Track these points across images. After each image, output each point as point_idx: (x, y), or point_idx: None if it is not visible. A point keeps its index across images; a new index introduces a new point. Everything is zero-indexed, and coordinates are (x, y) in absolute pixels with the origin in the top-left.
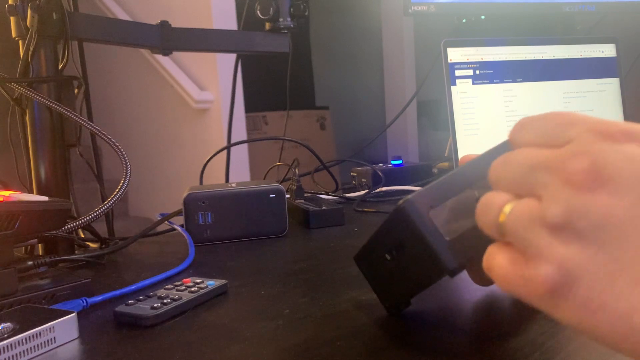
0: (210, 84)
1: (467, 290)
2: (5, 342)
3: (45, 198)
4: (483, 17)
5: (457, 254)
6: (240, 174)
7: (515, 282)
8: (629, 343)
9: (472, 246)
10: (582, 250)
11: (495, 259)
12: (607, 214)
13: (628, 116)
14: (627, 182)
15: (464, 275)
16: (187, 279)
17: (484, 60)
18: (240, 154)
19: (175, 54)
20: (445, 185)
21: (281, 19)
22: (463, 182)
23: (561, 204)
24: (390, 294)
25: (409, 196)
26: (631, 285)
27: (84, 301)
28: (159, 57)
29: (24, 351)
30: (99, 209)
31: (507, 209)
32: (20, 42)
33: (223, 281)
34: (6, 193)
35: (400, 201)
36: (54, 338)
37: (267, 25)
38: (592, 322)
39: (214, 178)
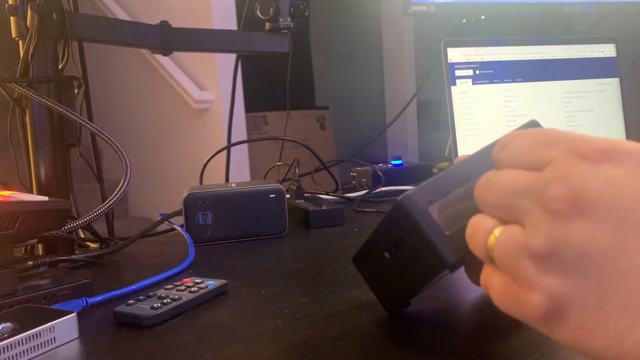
0: (210, 84)
1: (466, 290)
2: (5, 342)
3: (45, 198)
4: (483, 17)
5: (456, 248)
6: (240, 174)
7: (510, 305)
8: None
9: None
10: (568, 279)
11: (491, 281)
12: (589, 241)
13: (628, 116)
14: (607, 207)
15: (464, 275)
16: (187, 279)
17: (484, 60)
18: (240, 154)
19: (175, 54)
20: (444, 180)
21: (281, 19)
22: (461, 177)
23: (543, 234)
24: (390, 295)
25: (408, 192)
26: (620, 311)
27: (84, 301)
28: (159, 57)
29: (24, 351)
30: (99, 209)
31: (494, 236)
32: (20, 42)
33: (223, 281)
34: (6, 193)
35: (399, 197)
36: (54, 338)
37: (267, 25)
38: (586, 346)
39: (214, 178)
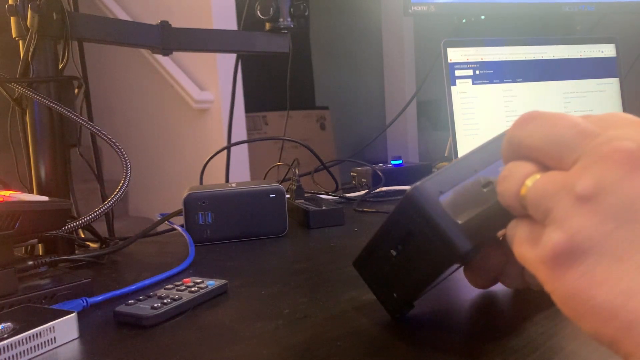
0: (210, 84)
1: (466, 290)
2: (5, 342)
3: (46, 198)
4: (483, 17)
5: (469, 237)
6: (240, 174)
7: (527, 247)
8: (610, 328)
9: (483, 230)
10: (601, 224)
11: (516, 227)
12: (638, 194)
13: None
14: None
15: (463, 276)
16: (187, 279)
17: (483, 60)
18: (240, 154)
19: (175, 54)
20: (453, 171)
21: (281, 19)
22: (470, 167)
23: (595, 177)
24: (394, 296)
25: (417, 183)
26: (638, 270)
27: (84, 301)
28: (159, 57)
29: (24, 351)
30: (99, 209)
31: (531, 180)
32: (20, 42)
33: (223, 281)
34: (6, 193)
35: (409, 189)
36: (54, 338)
37: (267, 26)
38: (586, 296)
39: (214, 178)
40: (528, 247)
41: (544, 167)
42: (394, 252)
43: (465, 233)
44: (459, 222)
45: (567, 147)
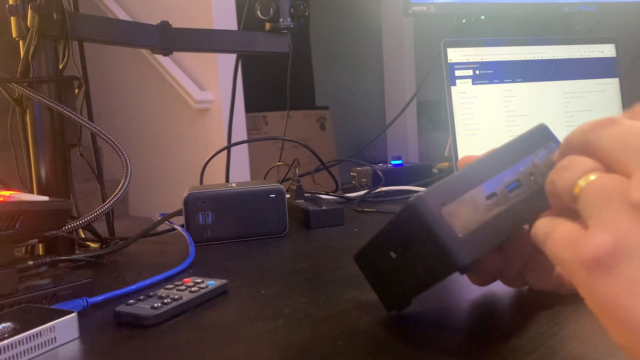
0: (210, 84)
1: (466, 290)
2: (5, 341)
3: (46, 198)
4: (483, 17)
5: (469, 251)
6: (240, 174)
7: (565, 246)
8: None
9: (484, 243)
10: None
11: (553, 225)
12: None
13: None
14: None
15: (464, 276)
16: (188, 279)
17: (483, 60)
18: (240, 154)
19: (175, 54)
20: (456, 182)
21: (281, 19)
22: (475, 178)
23: None
24: (392, 294)
25: (420, 193)
26: None
27: (85, 301)
28: (159, 57)
29: (24, 351)
30: (100, 208)
31: (590, 177)
32: (20, 42)
33: (223, 281)
34: (6, 193)
35: (411, 198)
36: (55, 338)
37: (267, 26)
38: (625, 302)
39: (214, 178)
40: (566, 248)
41: (605, 169)
42: (393, 255)
43: (465, 246)
44: (460, 235)
45: (632, 154)
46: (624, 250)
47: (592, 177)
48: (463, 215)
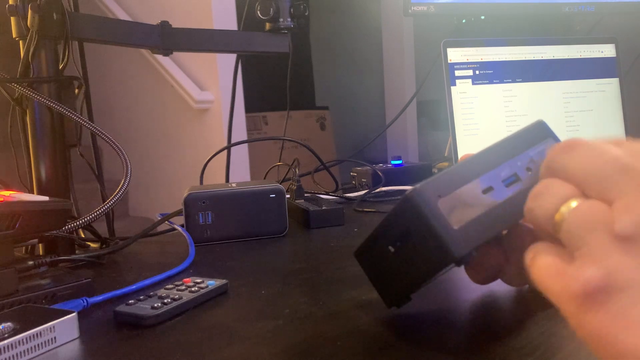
0: (210, 84)
1: (466, 290)
2: (5, 341)
3: (46, 198)
4: (483, 17)
5: (465, 243)
6: (240, 174)
7: (552, 277)
8: None
9: (479, 235)
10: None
11: (540, 250)
12: None
13: (628, 116)
14: None
15: (464, 275)
16: (188, 279)
17: (483, 60)
18: (240, 154)
19: (176, 54)
20: (453, 175)
21: (281, 19)
22: (472, 171)
23: (635, 218)
24: (391, 289)
25: (417, 185)
26: None
27: (85, 301)
28: (159, 57)
29: (24, 351)
30: (100, 208)
31: (570, 205)
32: (20, 42)
33: (223, 281)
34: (6, 193)
35: (408, 190)
36: (55, 338)
37: (267, 26)
38: (616, 337)
39: (214, 178)
40: (553, 278)
41: (583, 194)
42: (392, 249)
43: (461, 238)
44: (455, 227)
45: (608, 182)
46: (614, 284)
47: (573, 203)
48: (459, 207)
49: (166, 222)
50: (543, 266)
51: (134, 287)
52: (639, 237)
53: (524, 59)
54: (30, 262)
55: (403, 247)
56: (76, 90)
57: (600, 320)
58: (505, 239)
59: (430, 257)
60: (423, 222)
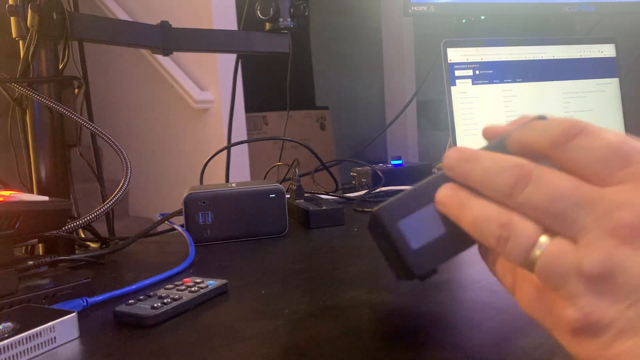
0: (210, 84)
1: (467, 289)
2: (5, 341)
3: (46, 198)
4: (483, 17)
5: (424, 264)
6: (240, 174)
7: (539, 311)
8: None
9: (440, 254)
10: (613, 304)
11: (522, 286)
12: None
13: (627, 116)
14: None
15: (464, 275)
16: (188, 279)
17: (483, 60)
18: (240, 154)
19: (176, 54)
20: (414, 195)
21: (281, 19)
22: (428, 196)
23: (600, 256)
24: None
25: (382, 204)
26: None
27: (85, 301)
28: (159, 57)
29: (24, 351)
30: (100, 208)
31: (536, 252)
32: (20, 42)
33: (223, 281)
34: (6, 193)
35: (375, 208)
36: (54, 338)
37: (267, 26)
38: None
39: (214, 178)
40: (540, 313)
41: (547, 230)
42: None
43: (421, 259)
44: (414, 247)
45: (567, 220)
46: (594, 324)
47: (537, 251)
48: (420, 228)
49: (166, 222)
50: (526, 297)
51: (134, 287)
52: (609, 276)
53: (524, 59)
54: (30, 262)
55: (382, 253)
56: (76, 90)
57: (592, 352)
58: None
59: (398, 270)
60: (387, 241)
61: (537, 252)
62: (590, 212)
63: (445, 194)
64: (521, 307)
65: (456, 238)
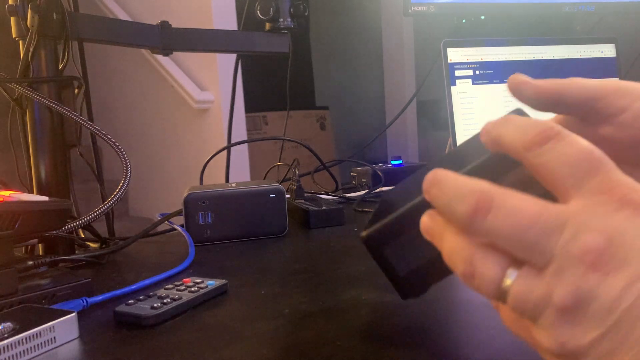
0: (210, 84)
1: (467, 289)
2: (5, 341)
3: (46, 198)
4: (483, 17)
5: (411, 289)
6: (240, 174)
7: (521, 332)
8: None
9: (426, 279)
10: (586, 334)
11: (504, 308)
12: (618, 299)
13: None
14: None
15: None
16: (187, 279)
17: (483, 60)
18: (240, 154)
19: (176, 54)
20: (397, 223)
21: (281, 19)
22: (412, 222)
23: (569, 286)
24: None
25: (370, 230)
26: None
27: (84, 301)
28: (159, 57)
29: (24, 351)
30: (99, 208)
31: (508, 281)
32: (20, 42)
33: (223, 281)
34: (6, 193)
35: (363, 233)
36: (54, 338)
37: (267, 26)
38: None
39: (214, 178)
40: (522, 333)
41: (513, 256)
42: None
43: (408, 284)
44: (401, 274)
45: (534, 247)
46: (570, 353)
47: (507, 281)
48: (405, 254)
49: (166, 222)
50: (508, 318)
51: (133, 287)
52: (580, 305)
53: (524, 59)
54: (30, 262)
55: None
56: (76, 90)
57: None
58: None
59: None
60: (377, 263)
61: (508, 281)
62: (556, 239)
63: (427, 223)
64: (505, 325)
65: (443, 262)
